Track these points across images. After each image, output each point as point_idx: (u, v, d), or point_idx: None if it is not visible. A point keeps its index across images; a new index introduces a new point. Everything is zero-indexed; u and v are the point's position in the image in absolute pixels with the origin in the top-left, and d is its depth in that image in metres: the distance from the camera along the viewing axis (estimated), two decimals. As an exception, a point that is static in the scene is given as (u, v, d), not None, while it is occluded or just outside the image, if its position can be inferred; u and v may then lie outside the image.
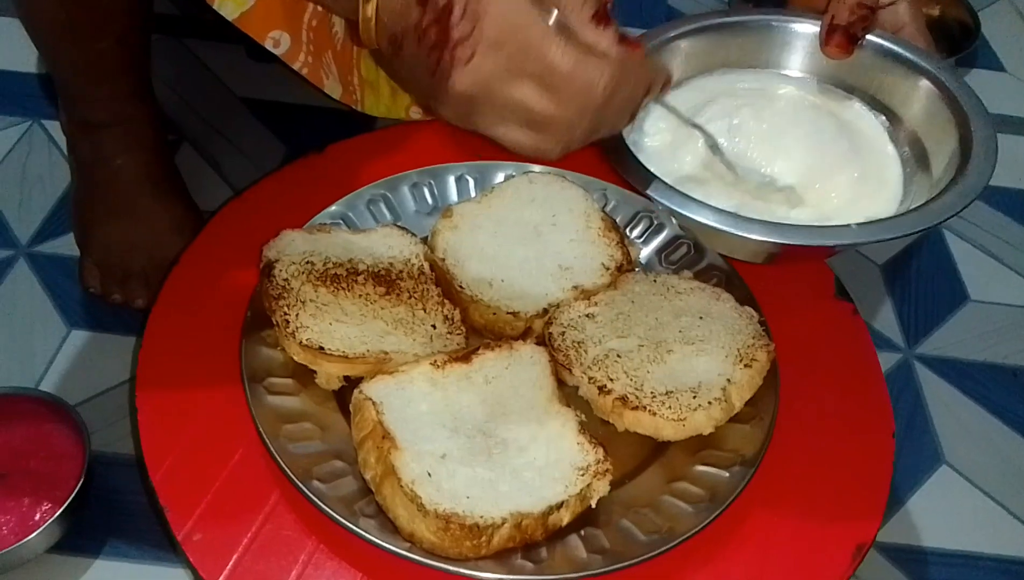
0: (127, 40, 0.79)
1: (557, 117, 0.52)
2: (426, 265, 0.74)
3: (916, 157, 0.71)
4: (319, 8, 0.71)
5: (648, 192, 0.65)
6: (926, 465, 0.84)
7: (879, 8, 0.67)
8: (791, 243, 0.65)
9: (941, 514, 0.81)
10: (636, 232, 0.80)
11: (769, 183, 0.70)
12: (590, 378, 0.66)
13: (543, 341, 0.70)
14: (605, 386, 0.66)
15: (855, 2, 0.64)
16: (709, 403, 0.65)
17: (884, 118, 0.71)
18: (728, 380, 0.66)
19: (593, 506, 0.62)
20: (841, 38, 0.66)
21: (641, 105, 0.56)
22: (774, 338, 0.70)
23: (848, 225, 0.65)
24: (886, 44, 0.70)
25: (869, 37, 0.69)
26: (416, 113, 0.90)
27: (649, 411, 0.64)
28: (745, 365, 0.67)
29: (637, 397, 0.65)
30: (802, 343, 0.73)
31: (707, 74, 0.75)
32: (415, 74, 0.53)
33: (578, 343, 0.69)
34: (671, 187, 0.66)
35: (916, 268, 0.99)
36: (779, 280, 0.77)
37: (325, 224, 0.76)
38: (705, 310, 0.71)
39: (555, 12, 0.52)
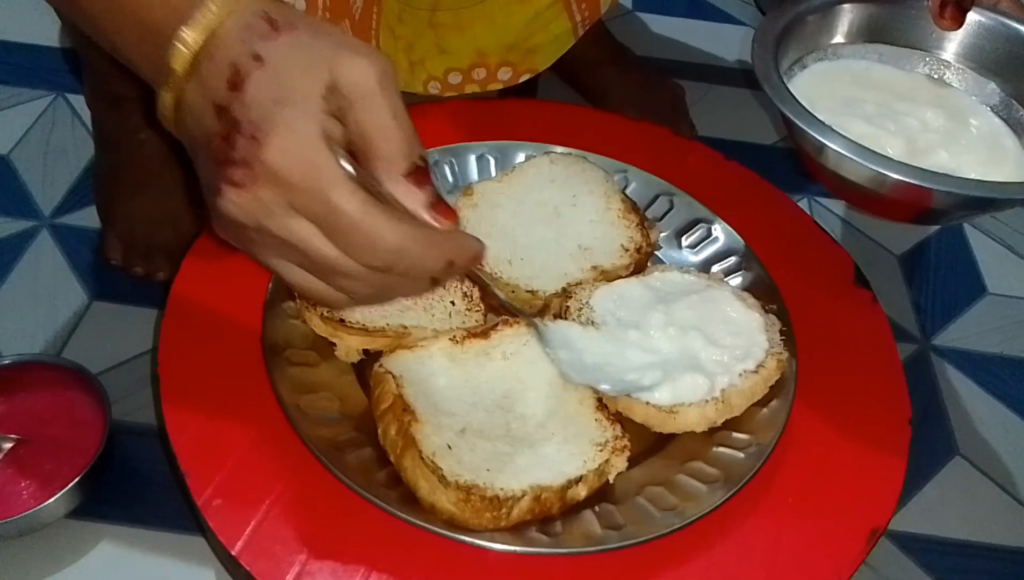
0: None
1: (337, 264, 0.46)
2: (447, 242, 0.74)
3: None
4: None
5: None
6: (940, 456, 0.84)
7: None
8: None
9: (954, 504, 0.81)
10: (655, 214, 0.80)
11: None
12: (598, 356, 0.66)
13: (560, 317, 0.70)
14: None
15: None
16: (705, 402, 0.64)
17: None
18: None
19: (611, 481, 0.62)
20: (954, 10, 0.68)
21: (445, 277, 0.50)
22: (792, 322, 0.70)
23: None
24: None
25: (995, 16, 0.70)
26: (434, 88, 0.90)
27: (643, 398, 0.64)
28: (753, 370, 0.66)
29: None
30: (821, 328, 0.73)
31: (853, 54, 0.73)
32: (204, 181, 0.48)
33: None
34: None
35: (934, 260, 0.99)
36: (799, 266, 0.78)
37: (347, 200, 0.76)
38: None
39: (351, 159, 0.46)
